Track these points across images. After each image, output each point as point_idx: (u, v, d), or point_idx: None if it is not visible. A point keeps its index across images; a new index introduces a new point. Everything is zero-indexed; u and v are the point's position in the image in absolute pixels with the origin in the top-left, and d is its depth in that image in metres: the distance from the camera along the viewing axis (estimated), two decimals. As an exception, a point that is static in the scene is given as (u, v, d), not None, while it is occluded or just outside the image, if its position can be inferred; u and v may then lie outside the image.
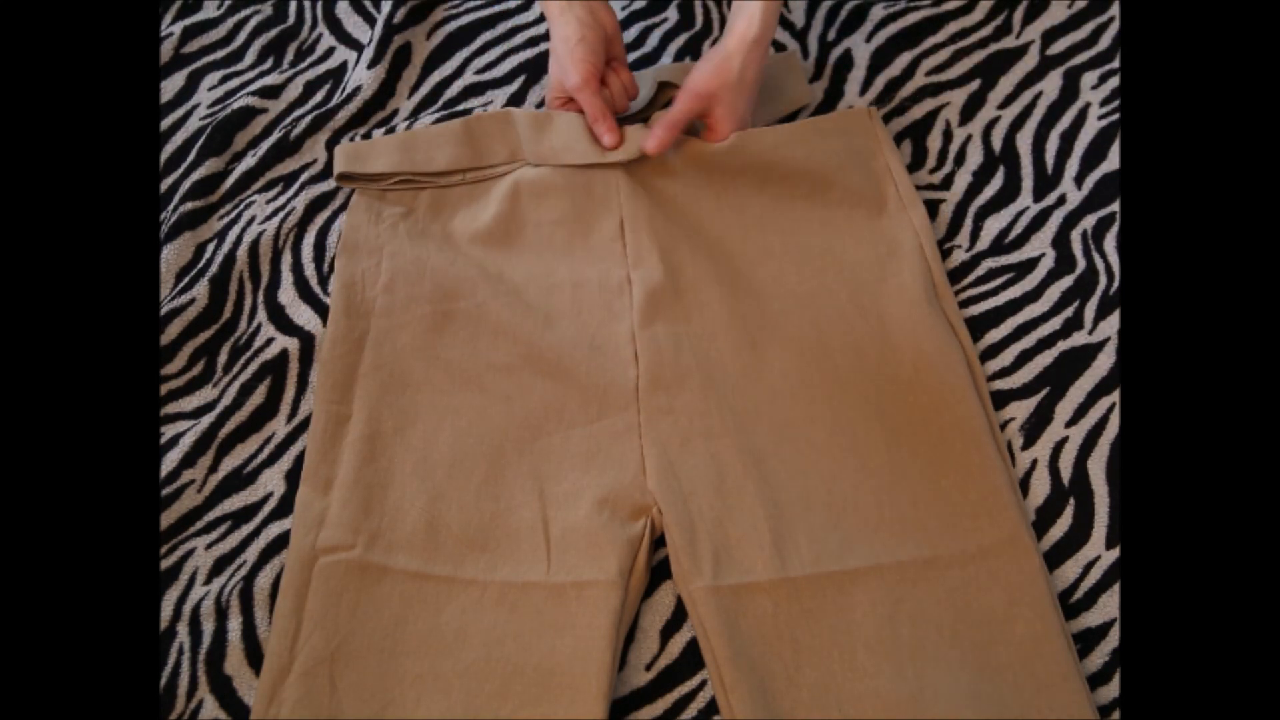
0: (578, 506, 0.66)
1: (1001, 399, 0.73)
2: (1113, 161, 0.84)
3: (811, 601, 0.62)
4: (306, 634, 0.62)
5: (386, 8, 0.92)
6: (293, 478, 0.71)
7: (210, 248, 0.80)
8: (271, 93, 0.89)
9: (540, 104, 0.88)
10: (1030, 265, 0.79)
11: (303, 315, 0.77)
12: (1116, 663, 0.64)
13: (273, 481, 0.71)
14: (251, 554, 0.68)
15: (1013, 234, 0.81)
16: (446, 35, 0.93)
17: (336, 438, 0.69)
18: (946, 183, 0.84)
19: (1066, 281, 0.78)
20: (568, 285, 0.75)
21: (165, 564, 0.68)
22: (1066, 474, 0.70)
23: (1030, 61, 0.90)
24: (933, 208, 0.82)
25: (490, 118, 0.83)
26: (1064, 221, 0.81)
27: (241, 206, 0.82)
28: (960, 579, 0.63)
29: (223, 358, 0.76)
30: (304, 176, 0.84)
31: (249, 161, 0.84)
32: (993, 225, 0.81)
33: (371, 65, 0.89)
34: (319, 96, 0.90)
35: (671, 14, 0.94)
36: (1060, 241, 0.80)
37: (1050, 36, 0.91)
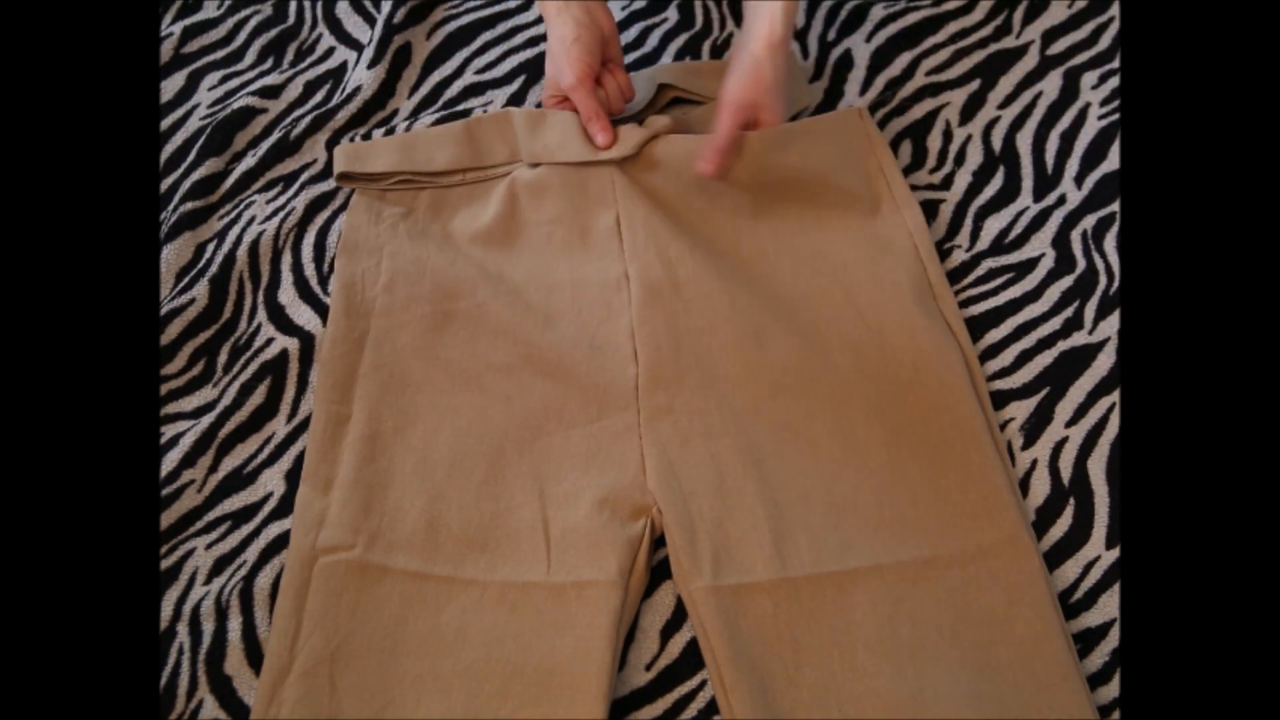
0: (578, 506, 0.66)
1: (1001, 399, 0.73)
2: (1113, 161, 0.84)
3: (811, 601, 0.62)
4: (306, 634, 0.62)
5: (386, 8, 0.92)
6: (293, 478, 0.71)
7: (210, 248, 0.80)
8: (271, 93, 0.89)
9: (540, 104, 0.88)
10: (1030, 265, 0.79)
11: (303, 315, 0.77)
12: (1116, 663, 0.63)
13: (273, 481, 0.71)
14: (251, 554, 0.68)
15: (1013, 234, 0.81)
16: (446, 35, 0.93)
17: (336, 438, 0.69)
18: (946, 183, 0.84)
19: (1066, 281, 0.78)
20: (567, 284, 0.75)
21: (165, 564, 0.68)
22: (1066, 474, 0.70)
23: (1030, 61, 0.90)
24: (933, 208, 0.82)
25: (490, 118, 0.83)
26: (1064, 221, 0.81)
27: (241, 206, 0.82)
28: (960, 579, 0.63)
29: (223, 358, 0.76)
30: (304, 176, 0.84)
31: (249, 161, 0.84)
32: (993, 225, 0.81)
33: (371, 65, 0.89)
34: (319, 96, 0.90)
35: (671, 14, 0.94)
36: (1060, 241, 0.80)
37: (1050, 36, 0.91)
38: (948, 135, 0.86)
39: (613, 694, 0.61)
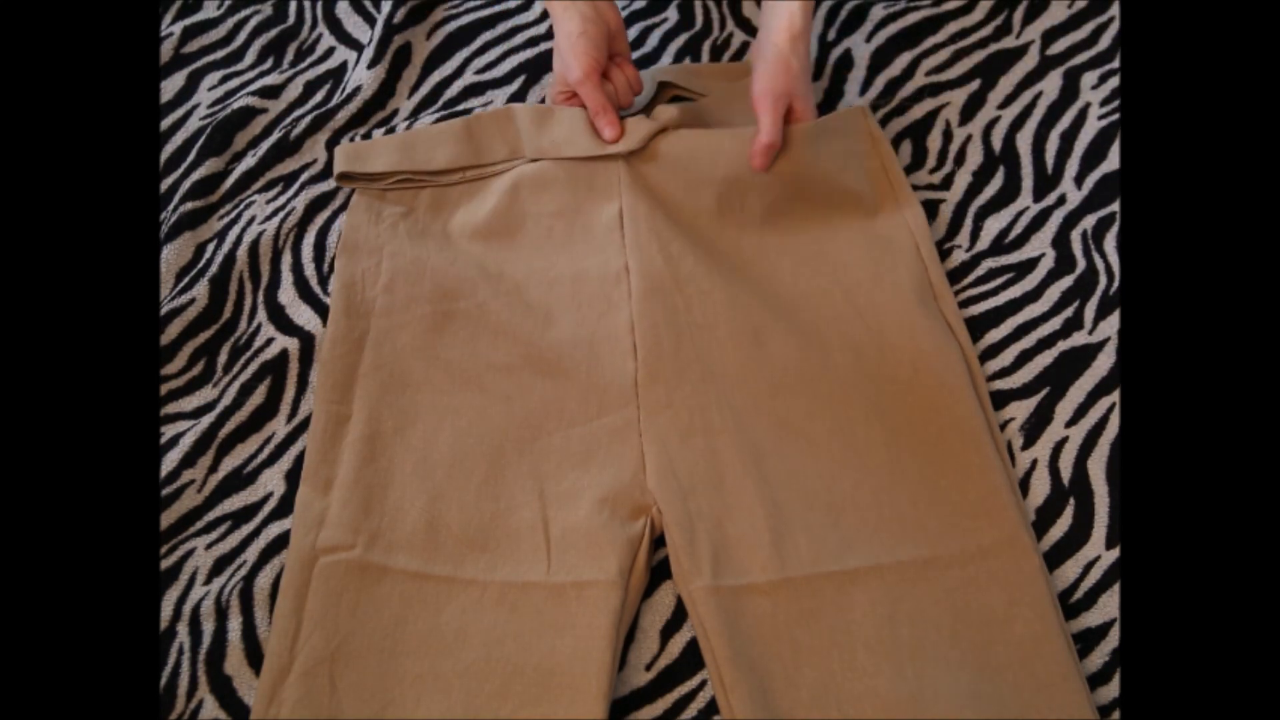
0: (578, 506, 0.66)
1: (1001, 399, 0.73)
2: (1113, 161, 0.84)
3: (811, 601, 0.62)
4: (306, 634, 0.62)
5: (386, 8, 0.92)
6: (293, 478, 0.71)
7: (210, 248, 0.80)
8: (271, 93, 0.89)
9: (541, 103, 0.88)
10: (1030, 265, 0.79)
11: (303, 315, 0.77)
12: (1116, 663, 0.63)
13: (273, 481, 0.71)
14: (251, 554, 0.68)
15: (1013, 234, 0.81)
16: (446, 35, 0.93)
17: (336, 438, 0.69)
18: (946, 183, 0.84)
19: (1066, 281, 0.78)
20: (567, 279, 0.75)
21: (165, 564, 0.68)
22: (1066, 474, 0.70)
23: (1030, 61, 0.90)
24: (933, 208, 0.82)
25: (491, 116, 0.83)
26: (1064, 221, 0.81)
27: (241, 206, 0.82)
28: (959, 579, 0.63)
29: (223, 358, 0.76)
30: (304, 176, 0.84)
31: (249, 161, 0.84)
32: (993, 225, 0.81)
33: (371, 65, 0.89)
34: (319, 96, 0.90)
35: (671, 14, 0.94)
36: (1060, 241, 0.80)
37: (1050, 36, 0.91)
38: (948, 135, 0.86)
39: (613, 694, 0.61)
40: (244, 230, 0.81)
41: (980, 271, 0.79)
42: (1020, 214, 0.82)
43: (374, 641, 0.62)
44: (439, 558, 0.64)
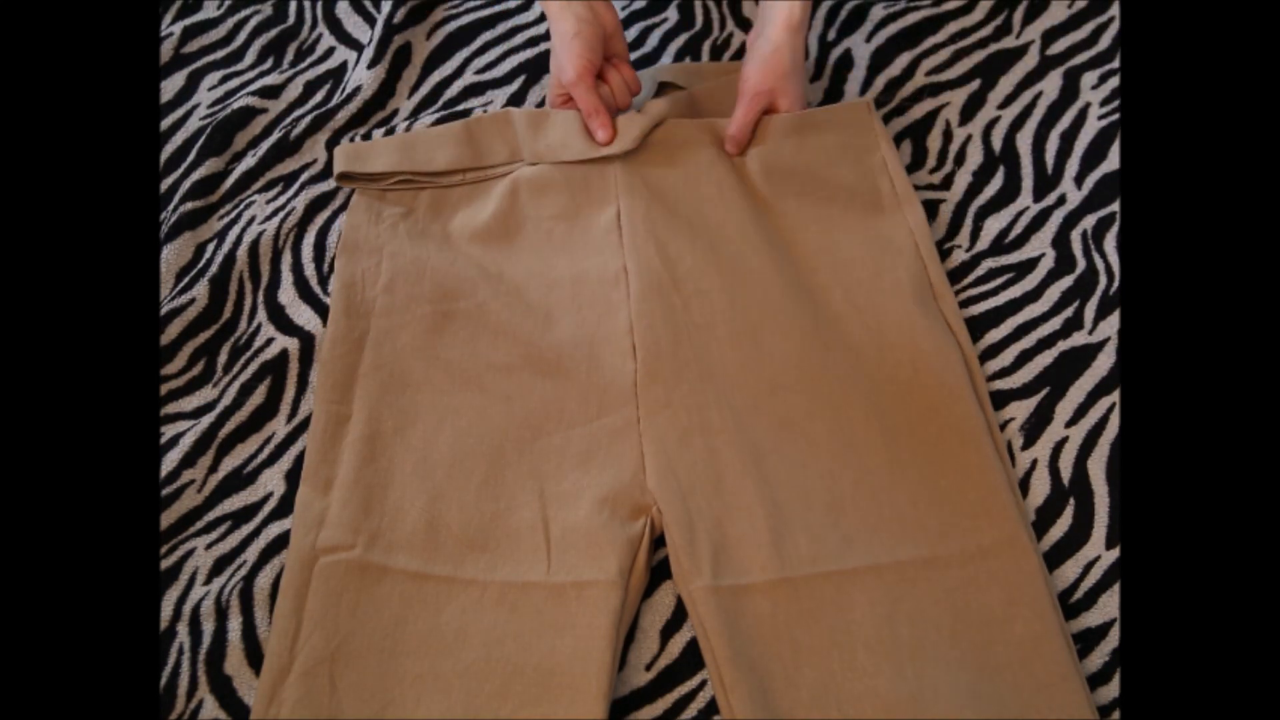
0: (578, 506, 0.66)
1: (1001, 399, 0.73)
2: (1113, 161, 0.84)
3: (810, 601, 0.62)
4: (306, 634, 0.62)
5: (386, 8, 0.92)
6: (293, 478, 0.71)
7: (210, 248, 0.80)
8: (271, 93, 0.89)
9: (541, 103, 0.88)
10: (1030, 265, 0.79)
11: (303, 315, 0.77)
12: (1116, 663, 0.64)
13: (273, 481, 0.71)
14: (251, 554, 0.68)
15: (1013, 234, 0.81)
16: (446, 35, 0.93)
17: (336, 438, 0.69)
18: (946, 183, 0.84)
19: (1066, 281, 0.78)
20: (567, 281, 0.75)
21: (165, 564, 0.68)
22: (1066, 474, 0.70)
23: (1030, 61, 0.90)
24: (933, 208, 0.82)
25: (490, 118, 0.83)
26: (1064, 221, 0.81)
27: (241, 206, 0.82)
28: (959, 579, 0.63)
29: (223, 358, 0.76)
30: (304, 176, 0.84)
31: (249, 161, 0.84)
32: (993, 225, 0.81)
33: (371, 65, 0.89)
34: (319, 96, 0.90)
35: (671, 14, 0.94)
36: (1060, 241, 0.80)
37: (1050, 36, 0.91)
38: (948, 135, 0.86)
39: (613, 694, 0.61)
40: (244, 230, 0.81)
41: (980, 271, 0.79)
42: (1020, 214, 0.82)
43: (374, 641, 0.62)
44: (439, 558, 0.64)
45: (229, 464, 0.71)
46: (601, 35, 0.79)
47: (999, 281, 0.78)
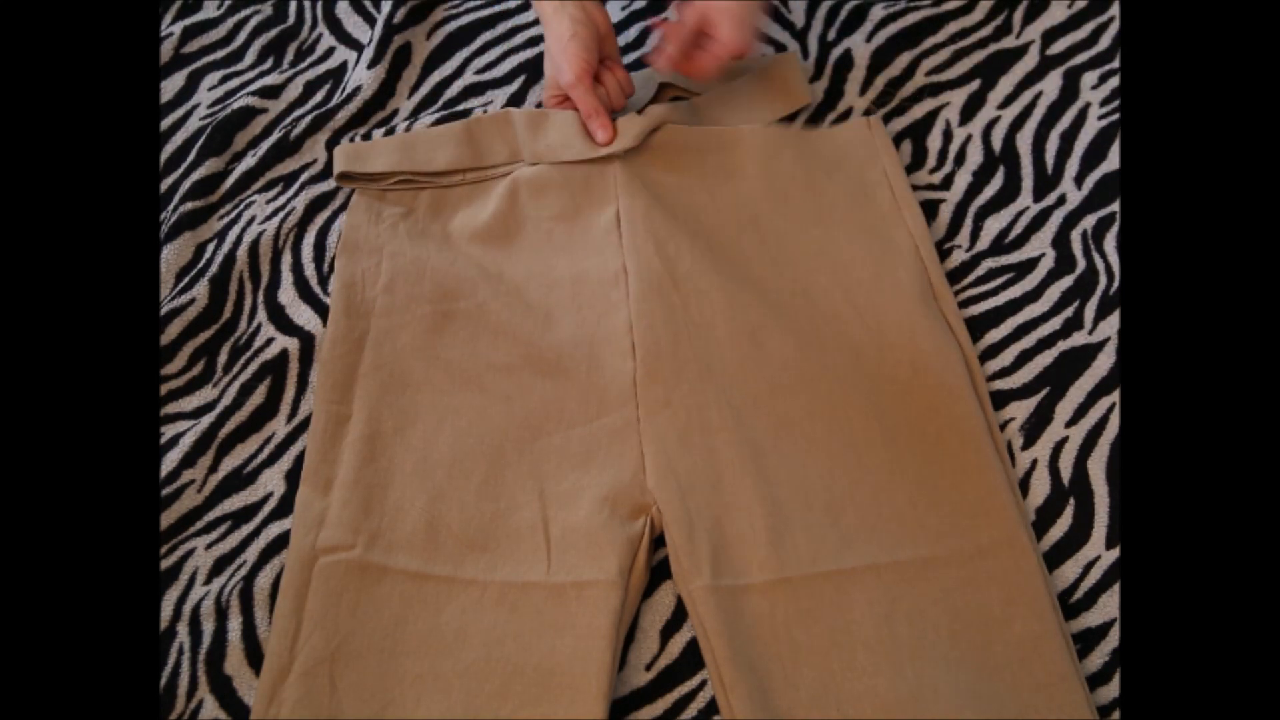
0: (578, 506, 0.66)
1: (1001, 399, 0.73)
2: (1113, 161, 0.84)
3: (810, 601, 0.62)
4: (306, 634, 0.62)
5: (386, 8, 0.92)
6: (293, 478, 0.71)
7: (210, 248, 0.80)
8: (271, 93, 0.89)
9: (540, 104, 0.88)
10: (1030, 265, 0.79)
11: (303, 315, 0.77)
12: (1116, 663, 0.63)
13: (273, 481, 0.71)
14: (251, 554, 0.68)
15: (1013, 234, 0.81)
16: (446, 35, 0.93)
17: (336, 438, 0.69)
18: (946, 183, 0.84)
19: (1066, 281, 0.78)
20: (567, 281, 0.75)
21: (165, 564, 0.68)
22: (1066, 474, 0.70)
23: (1030, 61, 0.90)
24: (933, 208, 0.82)
25: (490, 119, 0.83)
26: (1064, 221, 0.81)
27: (241, 206, 0.82)
28: (958, 579, 0.63)
29: (223, 358, 0.76)
30: (304, 176, 0.84)
31: (249, 161, 0.84)
32: (993, 225, 0.81)
33: (371, 65, 0.89)
34: (319, 96, 0.90)
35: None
36: (1060, 241, 0.80)
37: (1050, 36, 0.91)
38: (948, 135, 0.86)
39: (613, 694, 0.61)
40: (244, 230, 0.81)
41: (980, 271, 0.79)
42: (1020, 214, 0.82)
43: (374, 641, 0.62)
44: (439, 558, 0.64)
45: (229, 464, 0.71)
46: (596, 37, 0.79)
47: (999, 281, 0.78)
